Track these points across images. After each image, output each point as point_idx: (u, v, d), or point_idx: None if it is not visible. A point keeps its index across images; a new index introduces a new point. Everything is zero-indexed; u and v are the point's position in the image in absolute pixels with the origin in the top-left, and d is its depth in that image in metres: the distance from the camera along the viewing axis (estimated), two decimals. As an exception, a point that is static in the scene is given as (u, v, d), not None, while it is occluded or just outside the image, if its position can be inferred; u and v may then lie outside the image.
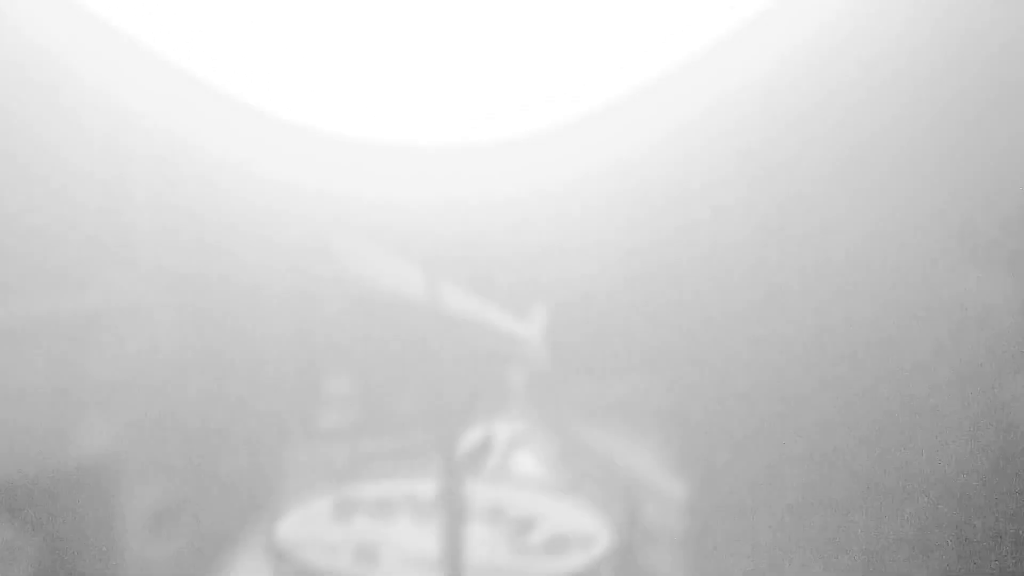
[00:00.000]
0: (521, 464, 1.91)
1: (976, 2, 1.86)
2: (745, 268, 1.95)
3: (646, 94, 1.67)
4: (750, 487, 1.87)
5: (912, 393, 1.81)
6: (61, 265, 1.92)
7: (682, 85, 1.74)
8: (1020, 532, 1.71)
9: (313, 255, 1.97)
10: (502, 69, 1.33)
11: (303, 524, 1.52)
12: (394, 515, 1.55)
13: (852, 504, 1.81)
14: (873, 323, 1.85)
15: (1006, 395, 1.83)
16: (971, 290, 1.91)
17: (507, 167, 1.56)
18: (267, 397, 2.06)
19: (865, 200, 1.89)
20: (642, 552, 1.82)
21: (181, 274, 2.05)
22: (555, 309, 2.00)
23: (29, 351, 1.90)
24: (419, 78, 1.29)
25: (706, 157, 1.93)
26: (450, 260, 1.51)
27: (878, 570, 1.78)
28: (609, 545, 1.51)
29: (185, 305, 2.07)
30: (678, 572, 1.79)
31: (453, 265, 1.52)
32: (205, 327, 2.07)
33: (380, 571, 1.41)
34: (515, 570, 1.41)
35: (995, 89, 1.85)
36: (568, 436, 2.08)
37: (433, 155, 1.36)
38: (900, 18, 1.84)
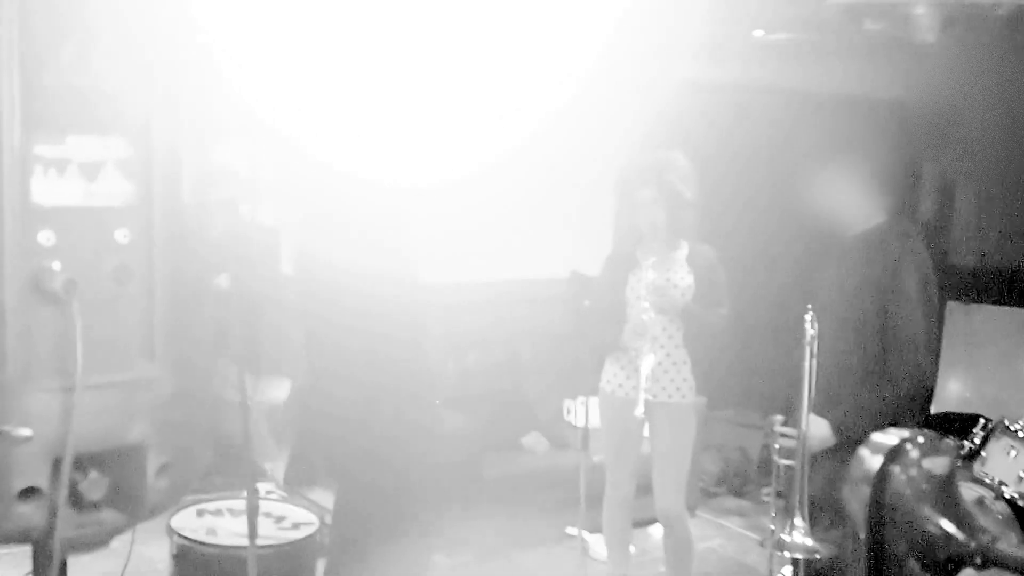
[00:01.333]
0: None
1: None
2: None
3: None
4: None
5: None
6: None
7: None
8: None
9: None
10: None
11: (181, 519, 3.69)
12: (223, 515, 3.74)
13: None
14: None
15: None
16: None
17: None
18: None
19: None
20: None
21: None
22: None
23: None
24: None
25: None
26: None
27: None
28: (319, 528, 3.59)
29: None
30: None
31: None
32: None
33: (219, 540, 3.59)
34: (278, 537, 3.59)
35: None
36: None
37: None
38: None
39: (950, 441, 2.75)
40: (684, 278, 4.59)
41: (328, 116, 3.18)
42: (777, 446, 3.61)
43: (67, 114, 1.89)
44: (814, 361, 3.45)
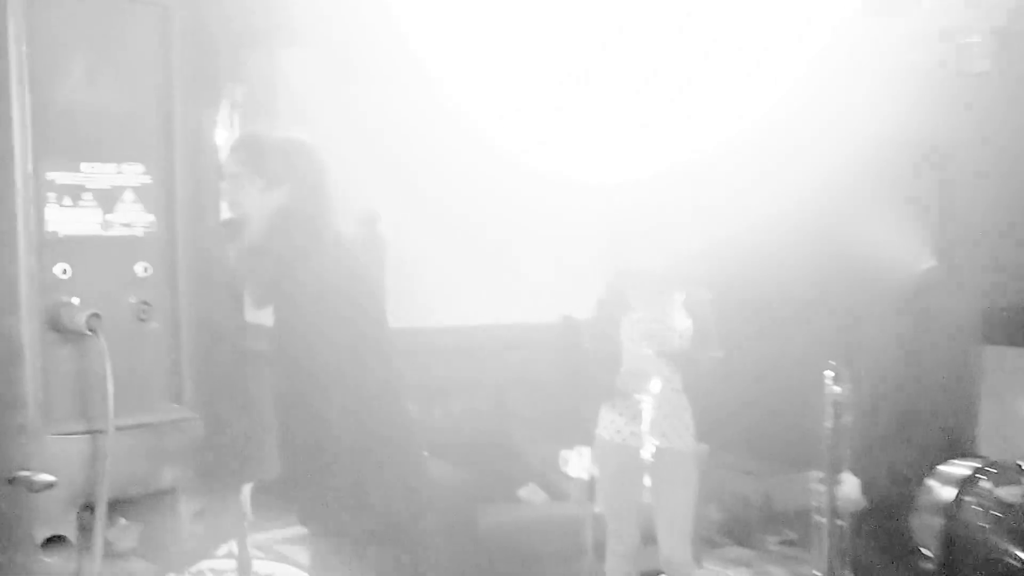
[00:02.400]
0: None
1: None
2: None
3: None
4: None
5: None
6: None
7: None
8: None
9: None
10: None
11: None
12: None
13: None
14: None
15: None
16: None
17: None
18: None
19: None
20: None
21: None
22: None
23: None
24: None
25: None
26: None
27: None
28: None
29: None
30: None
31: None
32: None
33: None
34: None
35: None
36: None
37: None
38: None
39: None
40: (682, 322, 4.64)
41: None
42: (815, 504, 3.56)
43: (81, 138, 1.85)
44: (840, 421, 3.40)
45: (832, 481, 3.45)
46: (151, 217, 1.90)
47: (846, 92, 5.66)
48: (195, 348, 1.95)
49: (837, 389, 3.43)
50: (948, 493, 1.94)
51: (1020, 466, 2.21)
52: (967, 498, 1.95)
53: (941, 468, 2.03)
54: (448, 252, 6.11)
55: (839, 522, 3.44)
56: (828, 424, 3.44)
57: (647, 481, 4.56)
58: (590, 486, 4.64)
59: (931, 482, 1.99)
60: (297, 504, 3.02)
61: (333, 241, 3.08)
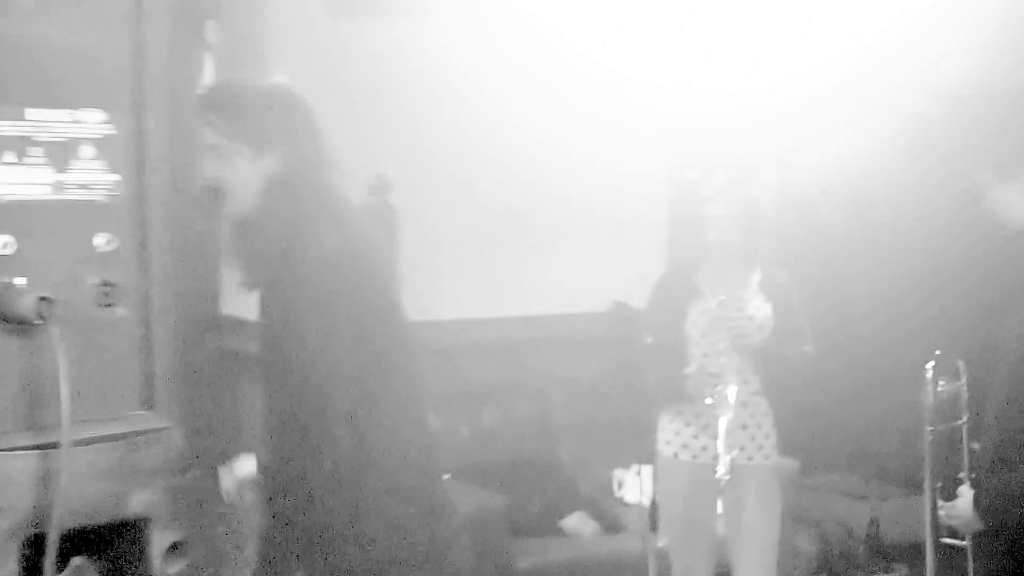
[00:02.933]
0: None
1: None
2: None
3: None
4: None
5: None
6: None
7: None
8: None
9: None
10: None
11: None
12: None
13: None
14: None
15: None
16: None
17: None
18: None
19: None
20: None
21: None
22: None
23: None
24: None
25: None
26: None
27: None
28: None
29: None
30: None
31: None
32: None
33: None
34: None
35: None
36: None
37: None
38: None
39: None
40: (760, 308, 4.60)
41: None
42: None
43: (28, 78, 1.80)
44: (949, 425, 3.39)
45: (936, 494, 3.45)
46: (115, 177, 1.87)
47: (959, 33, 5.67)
48: (171, 342, 1.92)
49: (941, 384, 3.44)
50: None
51: None
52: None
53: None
54: (475, 228, 6.10)
55: (948, 540, 3.51)
56: (929, 427, 3.48)
57: (721, 507, 4.60)
58: (651, 514, 4.61)
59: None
60: (291, 539, 2.98)
61: (336, 215, 3.05)
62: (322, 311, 2.90)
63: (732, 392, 4.47)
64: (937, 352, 3.55)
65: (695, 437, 4.59)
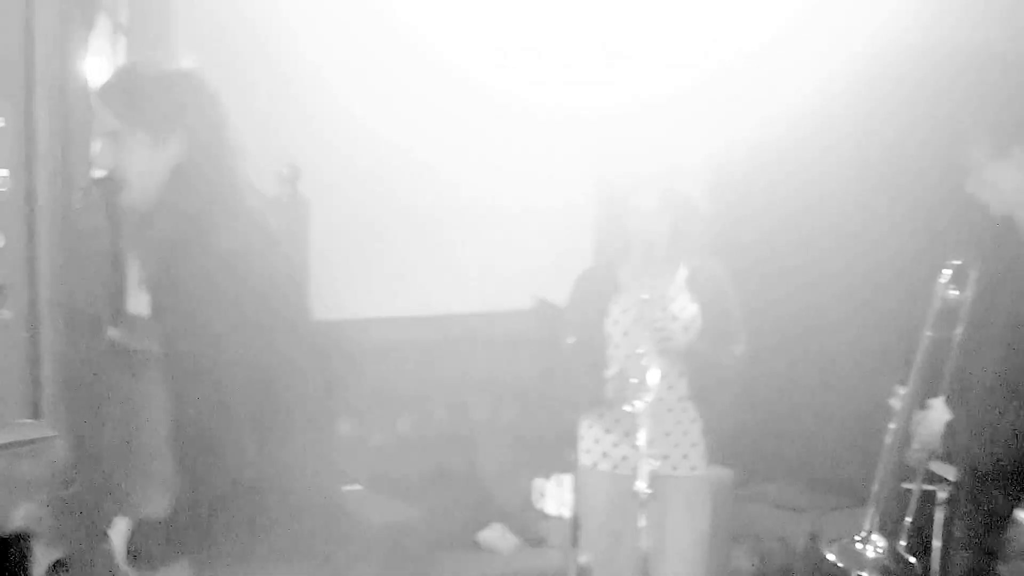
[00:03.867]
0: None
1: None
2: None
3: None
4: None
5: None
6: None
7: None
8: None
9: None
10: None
11: None
12: None
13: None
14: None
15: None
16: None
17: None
18: None
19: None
20: None
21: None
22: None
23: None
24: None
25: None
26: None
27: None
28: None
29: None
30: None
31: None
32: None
33: None
34: None
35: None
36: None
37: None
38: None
39: None
40: (685, 308, 4.61)
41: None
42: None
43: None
44: (948, 333, 3.52)
45: (914, 403, 3.58)
46: (3, 172, 1.88)
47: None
48: (59, 345, 1.94)
49: (954, 292, 3.51)
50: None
51: None
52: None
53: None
54: (389, 221, 6.09)
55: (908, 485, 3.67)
56: (929, 333, 3.58)
57: (644, 520, 4.47)
58: (572, 527, 4.61)
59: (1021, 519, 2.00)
60: (189, 551, 2.97)
61: (241, 206, 3.06)
62: (224, 307, 2.89)
63: (655, 396, 4.41)
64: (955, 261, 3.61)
65: (615, 445, 4.60)
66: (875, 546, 3.74)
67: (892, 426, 3.77)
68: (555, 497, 5.74)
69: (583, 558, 4.68)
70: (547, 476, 6.03)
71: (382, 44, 5.81)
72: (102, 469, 2.05)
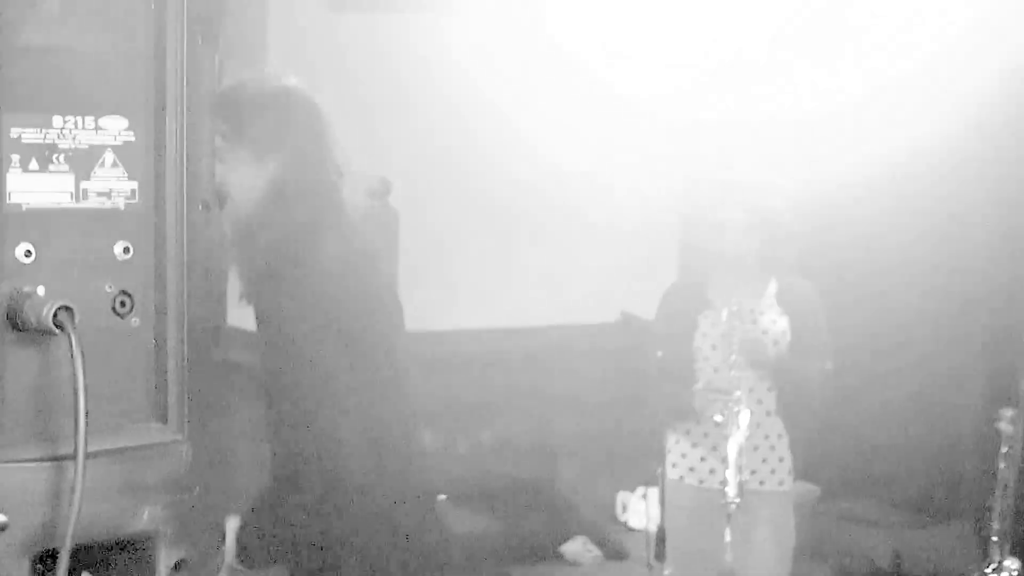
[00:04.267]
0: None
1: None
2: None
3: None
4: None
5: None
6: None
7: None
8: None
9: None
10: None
11: None
12: None
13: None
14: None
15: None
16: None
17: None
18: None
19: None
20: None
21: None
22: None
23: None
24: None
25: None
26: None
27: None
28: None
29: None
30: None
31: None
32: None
33: None
34: None
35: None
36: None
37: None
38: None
39: None
40: (775, 322, 4.63)
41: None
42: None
43: (53, 86, 1.89)
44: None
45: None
46: (133, 185, 1.94)
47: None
48: (182, 354, 1.98)
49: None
50: None
51: None
52: None
53: None
54: (478, 234, 6.18)
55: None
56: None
57: (729, 535, 4.52)
58: (657, 541, 4.63)
59: None
60: (285, 555, 3.08)
61: (337, 221, 3.16)
62: (320, 320, 3.00)
63: (743, 411, 4.46)
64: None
65: (702, 459, 4.61)
66: (1010, 571, 3.71)
67: (1004, 450, 3.76)
68: (638, 510, 5.75)
69: (667, 571, 4.70)
70: (631, 489, 6.05)
71: (476, 54, 5.87)
72: (220, 473, 2.10)
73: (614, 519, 6.09)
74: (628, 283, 5.72)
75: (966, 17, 5.72)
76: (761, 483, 4.58)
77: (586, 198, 6.28)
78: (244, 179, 3.08)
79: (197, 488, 2.01)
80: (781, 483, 4.64)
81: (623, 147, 6.18)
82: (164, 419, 1.95)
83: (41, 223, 1.86)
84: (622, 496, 6.10)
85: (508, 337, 6.25)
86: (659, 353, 4.71)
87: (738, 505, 4.38)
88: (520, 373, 6.29)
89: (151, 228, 1.95)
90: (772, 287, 4.69)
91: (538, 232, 6.40)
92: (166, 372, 1.95)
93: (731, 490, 4.36)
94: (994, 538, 3.77)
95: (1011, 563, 3.70)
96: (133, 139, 1.93)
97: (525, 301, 6.32)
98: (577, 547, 5.91)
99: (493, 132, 5.87)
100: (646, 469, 4.83)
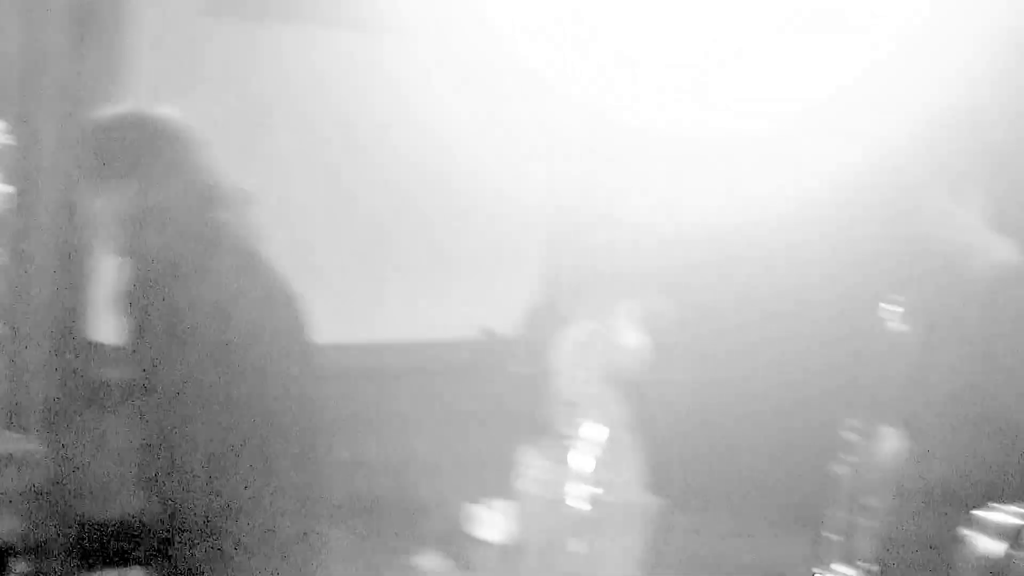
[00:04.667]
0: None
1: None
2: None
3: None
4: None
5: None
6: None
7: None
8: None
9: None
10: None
11: None
12: None
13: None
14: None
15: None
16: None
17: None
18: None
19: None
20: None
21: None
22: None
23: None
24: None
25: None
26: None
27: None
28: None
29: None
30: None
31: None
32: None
33: None
34: None
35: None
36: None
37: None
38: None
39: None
40: (634, 339, 4.72)
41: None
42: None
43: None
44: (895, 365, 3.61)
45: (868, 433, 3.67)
46: (10, 189, 1.91)
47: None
48: (45, 362, 1.96)
49: (901, 328, 3.62)
50: (996, 547, 2.03)
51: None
52: (1020, 553, 2.04)
53: (983, 516, 2.12)
54: (338, 249, 6.10)
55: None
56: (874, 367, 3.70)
57: (579, 547, 4.69)
58: (508, 554, 4.66)
59: (973, 535, 2.08)
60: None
61: (200, 236, 3.15)
62: (192, 334, 2.98)
63: (598, 426, 4.60)
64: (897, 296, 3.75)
65: (553, 472, 4.70)
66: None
67: (849, 458, 3.85)
68: (492, 523, 5.76)
69: (518, 585, 4.73)
70: (484, 502, 6.06)
71: (347, 66, 5.88)
72: (80, 486, 2.06)
73: (467, 532, 6.09)
74: (489, 300, 5.73)
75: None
76: (611, 496, 4.66)
77: (449, 213, 6.27)
78: (106, 206, 3.01)
79: (55, 499, 1.98)
80: (631, 496, 4.73)
81: (489, 164, 6.17)
82: (23, 428, 1.93)
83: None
84: (476, 509, 6.11)
85: (367, 353, 6.18)
86: (517, 369, 4.76)
87: (590, 518, 4.45)
88: (379, 388, 6.23)
89: (25, 235, 1.93)
90: (633, 306, 4.77)
91: (397, 247, 6.32)
92: (26, 381, 1.93)
93: (584, 503, 4.42)
94: (830, 545, 3.86)
95: (845, 569, 3.78)
96: (13, 143, 1.91)
97: (384, 317, 6.28)
98: (430, 560, 5.90)
99: (358, 150, 5.86)
100: (500, 483, 4.84)
